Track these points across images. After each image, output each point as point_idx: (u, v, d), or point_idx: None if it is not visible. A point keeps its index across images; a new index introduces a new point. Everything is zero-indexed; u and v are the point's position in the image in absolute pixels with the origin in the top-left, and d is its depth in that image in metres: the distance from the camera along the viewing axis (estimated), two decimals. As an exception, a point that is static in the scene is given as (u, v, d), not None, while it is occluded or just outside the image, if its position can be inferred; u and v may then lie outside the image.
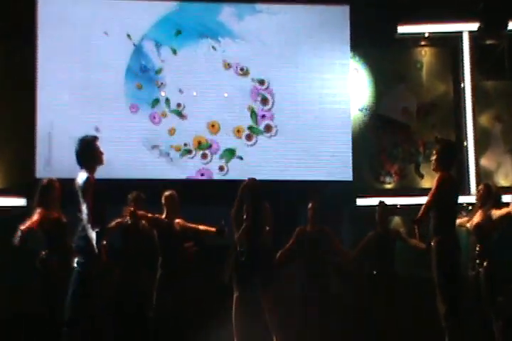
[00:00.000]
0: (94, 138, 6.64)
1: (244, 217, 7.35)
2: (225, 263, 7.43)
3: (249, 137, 10.97)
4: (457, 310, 6.69)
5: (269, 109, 11.06)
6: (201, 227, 7.97)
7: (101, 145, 6.70)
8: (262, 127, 11.01)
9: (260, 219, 7.41)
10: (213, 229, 7.83)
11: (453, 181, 6.98)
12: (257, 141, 10.99)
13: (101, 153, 6.62)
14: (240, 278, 7.25)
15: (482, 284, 7.50)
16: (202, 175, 10.81)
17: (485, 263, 7.51)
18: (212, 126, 10.93)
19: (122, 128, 10.74)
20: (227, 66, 11.03)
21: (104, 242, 6.24)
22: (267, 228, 7.51)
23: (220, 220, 7.71)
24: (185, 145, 10.85)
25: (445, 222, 6.81)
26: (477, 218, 7.71)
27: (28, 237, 6.89)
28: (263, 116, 11.01)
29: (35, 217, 7.07)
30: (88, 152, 6.55)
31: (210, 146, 10.88)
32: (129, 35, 10.90)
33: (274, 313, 7.27)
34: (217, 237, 7.80)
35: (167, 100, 10.91)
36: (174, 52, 10.99)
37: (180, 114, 10.91)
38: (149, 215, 7.71)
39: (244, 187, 7.58)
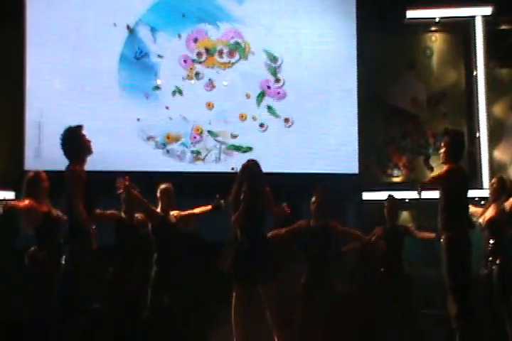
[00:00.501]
0: (79, 127, 6.47)
1: (242, 197, 6.92)
2: (223, 250, 7.03)
3: (251, 127, 10.63)
4: (469, 310, 6.52)
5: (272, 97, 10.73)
6: (197, 210, 7.81)
7: (93, 135, 6.57)
8: (263, 117, 10.67)
9: (260, 203, 6.97)
10: (210, 207, 7.69)
11: (463, 174, 6.82)
12: (258, 131, 10.64)
13: (88, 142, 6.47)
14: (240, 273, 6.88)
15: (495, 282, 7.27)
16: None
17: (498, 261, 7.27)
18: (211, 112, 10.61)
19: (116, 117, 10.42)
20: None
21: (94, 227, 6.22)
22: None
23: (215, 195, 7.57)
24: (182, 135, 10.52)
25: (455, 217, 6.63)
26: (490, 213, 7.47)
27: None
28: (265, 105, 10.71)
29: (26, 202, 6.88)
30: (73, 141, 6.40)
31: (208, 136, 10.54)
32: (122, 20, 10.55)
33: (275, 311, 6.92)
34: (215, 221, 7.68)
35: (163, 88, 10.53)
36: (170, 37, 10.63)
37: (176, 103, 10.55)
38: (144, 200, 7.48)
39: (244, 168, 7.20)
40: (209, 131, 10.57)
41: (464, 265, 6.53)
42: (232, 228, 7.07)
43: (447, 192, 6.59)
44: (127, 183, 7.19)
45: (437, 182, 6.70)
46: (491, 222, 7.39)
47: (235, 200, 7.07)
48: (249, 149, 10.55)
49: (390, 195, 8.83)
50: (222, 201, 7.52)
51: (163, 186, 7.74)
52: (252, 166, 7.17)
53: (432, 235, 7.64)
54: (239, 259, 6.83)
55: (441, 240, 6.59)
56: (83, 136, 6.43)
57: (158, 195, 7.72)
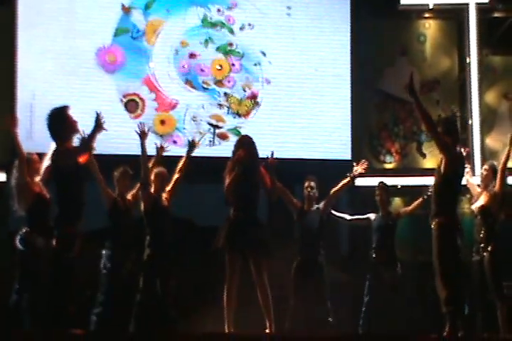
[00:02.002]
0: (65, 107, 6.50)
1: (236, 161, 6.86)
2: (219, 230, 6.87)
3: (240, 111, 10.59)
4: (458, 296, 6.43)
5: (262, 83, 10.66)
6: (177, 175, 7.80)
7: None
8: (253, 101, 10.64)
9: (255, 179, 6.87)
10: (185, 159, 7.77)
11: (459, 159, 6.67)
12: (249, 116, 10.61)
13: (74, 122, 6.44)
14: (232, 247, 6.75)
15: (486, 269, 7.31)
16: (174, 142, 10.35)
17: (490, 248, 7.32)
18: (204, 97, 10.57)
19: (109, 99, 10.32)
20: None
21: None
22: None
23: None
24: (175, 118, 10.46)
25: (447, 201, 6.50)
26: (482, 199, 7.51)
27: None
28: (255, 91, 10.65)
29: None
30: (60, 121, 6.43)
31: (202, 120, 10.51)
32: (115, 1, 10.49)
33: (268, 297, 6.77)
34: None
35: (154, 71, 10.49)
36: (162, 20, 10.57)
37: (169, 87, 10.50)
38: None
39: (239, 142, 7.08)
40: (202, 116, 10.51)
41: (454, 251, 6.42)
42: (225, 195, 6.91)
43: (443, 176, 6.48)
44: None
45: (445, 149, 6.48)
46: (483, 208, 7.43)
47: (230, 172, 6.93)
48: (239, 133, 10.41)
49: (380, 182, 8.80)
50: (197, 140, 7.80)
51: (156, 170, 7.70)
52: (247, 138, 7.08)
53: (420, 199, 7.90)
54: (232, 234, 6.73)
55: (432, 225, 6.48)
56: (69, 116, 6.41)
57: (152, 178, 7.67)
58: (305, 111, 10.72)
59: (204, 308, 8.13)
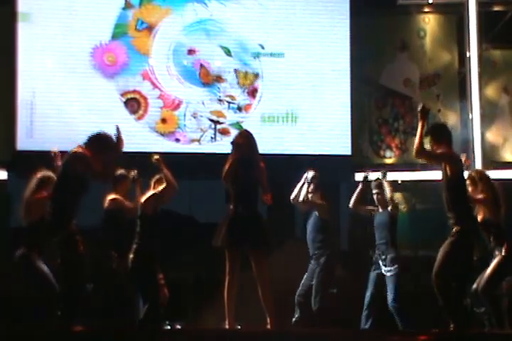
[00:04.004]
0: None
1: (235, 149, 6.80)
2: (218, 226, 6.84)
3: (238, 107, 10.59)
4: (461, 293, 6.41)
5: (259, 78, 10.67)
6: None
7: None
8: (251, 96, 10.64)
9: (255, 175, 6.80)
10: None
11: (459, 161, 6.55)
12: (247, 111, 10.62)
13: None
14: (232, 242, 6.69)
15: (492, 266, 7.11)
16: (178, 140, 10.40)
17: (503, 252, 7.06)
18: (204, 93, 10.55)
19: (108, 97, 10.33)
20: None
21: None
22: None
23: None
24: (176, 116, 10.43)
25: (462, 207, 6.40)
26: (480, 214, 7.18)
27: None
28: (253, 86, 10.64)
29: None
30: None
31: (202, 116, 10.50)
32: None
33: (269, 292, 6.74)
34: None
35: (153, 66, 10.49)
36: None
37: (169, 83, 10.49)
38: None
39: (238, 137, 6.97)
40: (202, 112, 10.51)
41: (468, 258, 6.34)
42: (224, 182, 6.88)
43: (451, 180, 6.36)
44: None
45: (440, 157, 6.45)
46: (482, 222, 7.15)
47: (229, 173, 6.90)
48: (241, 128, 10.38)
49: (377, 178, 8.66)
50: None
51: (158, 176, 7.44)
52: (247, 133, 7.00)
53: None
54: (232, 230, 6.69)
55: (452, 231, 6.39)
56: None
57: (152, 184, 7.42)
58: (305, 106, 10.71)
59: (205, 304, 8.13)
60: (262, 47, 10.70)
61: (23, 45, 10.19)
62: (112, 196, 7.60)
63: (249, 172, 6.77)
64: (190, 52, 10.58)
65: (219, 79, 10.61)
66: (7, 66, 10.15)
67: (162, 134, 10.39)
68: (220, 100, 10.56)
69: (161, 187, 7.15)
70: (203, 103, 10.52)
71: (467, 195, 6.63)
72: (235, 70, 10.55)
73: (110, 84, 10.37)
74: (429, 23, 11.22)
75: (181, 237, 9.82)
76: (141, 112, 10.37)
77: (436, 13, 11.26)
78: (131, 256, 7.03)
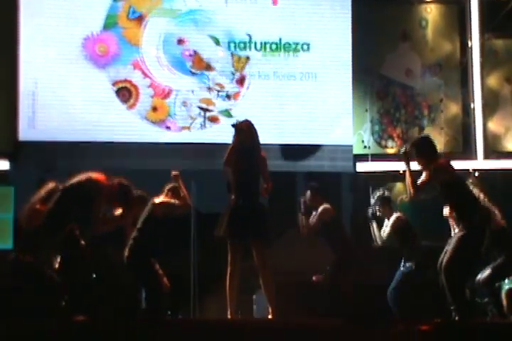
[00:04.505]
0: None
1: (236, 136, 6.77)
2: (220, 217, 6.81)
3: (226, 95, 10.60)
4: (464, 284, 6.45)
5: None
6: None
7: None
8: (239, 84, 10.64)
9: (256, 165, 6.79)
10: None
11: (444, 169, 6.54)
12: (236, 99, 10.61)
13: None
14: (234, 232, 6.69)
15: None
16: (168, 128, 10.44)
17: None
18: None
19: (110, 88, 10.35)
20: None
21: None
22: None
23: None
24: (167, 104, 10.47)
25: (463, 213, 6.48)
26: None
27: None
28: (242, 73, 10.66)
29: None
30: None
31: (192, 104, 10.50)
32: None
33: (270, 282, 6.76)
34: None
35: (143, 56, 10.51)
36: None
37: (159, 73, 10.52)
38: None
39: (238, 127, 6.88)
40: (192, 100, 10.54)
41: (475, 257, 6.45)
42: (224, 169, 6.85)
43: (441, 187, 6.43)
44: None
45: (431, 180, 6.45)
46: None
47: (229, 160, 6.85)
48: (230, 115, 10.50)
49: (379, 196, 8.57)
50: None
51: (171, 185, 7.43)
52: (247, 123, 6.90)
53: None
54: (233, 222, 6.68)
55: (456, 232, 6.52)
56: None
57: (166, 191, 7.41)
58: (306, 96, 10.69)
59: (207, 295, 8.15)
60: (250, 37, 10.67)
61: (25, 36, 10.16)
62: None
63: (251, 162, 6.76)
64: (180, 42, 10.57)
65: (208, 67, 10.60)
66: (9, 56, 10.13)
67: (153, 122, 10.40)
68: (209, 88, 10.57)
69: (177, 202, 7.18)
70: (193, 91, 10.53)
71: (471, 193, 6.65)
72: (232, 53, 10.57)
73: (103, 74, 10.35)
74: (431, 12, 11.16)
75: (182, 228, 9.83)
76: (132, 101, 10.38)
77: (438, 3, 11.20)
78: (127, 249, 7.05)
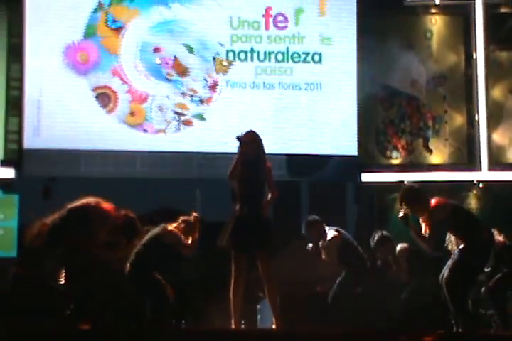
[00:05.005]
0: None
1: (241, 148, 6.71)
2: (223, 227, 6.78)
3: (200, 100, 10.78)
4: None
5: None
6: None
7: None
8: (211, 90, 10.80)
9: (261, 176, 6.76)
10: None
11: (449, 206, 6.51)
12: (209, 103, 10.77)
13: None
14: (237, 243, 6.63)
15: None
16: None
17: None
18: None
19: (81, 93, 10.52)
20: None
21: None
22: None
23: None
24: (144, 109, 10.64)
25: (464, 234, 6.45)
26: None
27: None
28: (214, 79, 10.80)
29: None
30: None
31: (167, 108, 10.69)
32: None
33: (275, 294, 6.75)
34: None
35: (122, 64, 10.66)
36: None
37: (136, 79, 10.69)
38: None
39: (244, 135, 6.80)
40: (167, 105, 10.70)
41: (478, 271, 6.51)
42: (229, 182, 6.85)
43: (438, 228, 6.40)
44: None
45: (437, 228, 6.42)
46: None
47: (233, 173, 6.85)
48: (203, 119, 10.71)
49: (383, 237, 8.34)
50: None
51: (187, 217, 7.36)
52: (252, 133, 6.82)
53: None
54: (236, 230, 6.63)
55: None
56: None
57: (180, 221, 7.30)
58: (310, 105, 10.72)
59: (211, 304, 8.13)
60: (221, 45, 10.79)
61: (30, 43, 10.26)
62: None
63: (256, 173, 6.73)
64: (156, 50, 10.74)
65: (183, 74, 10.74)
66: (15, 65, 10.25)
67: (131, 126, 10.60)
68: (183, 94, 10.72)
69: (185, 242, 7.10)
70: (168, 97, 10.72)
71: (472, 216, 6.67)
72: (213, 58, 10.74)
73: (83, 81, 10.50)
74: (436, 24, 11.20)
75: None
76: (111, 106, 10.54)
77: (443, 14, 11.23)
78: (128, 264, 7.01)
